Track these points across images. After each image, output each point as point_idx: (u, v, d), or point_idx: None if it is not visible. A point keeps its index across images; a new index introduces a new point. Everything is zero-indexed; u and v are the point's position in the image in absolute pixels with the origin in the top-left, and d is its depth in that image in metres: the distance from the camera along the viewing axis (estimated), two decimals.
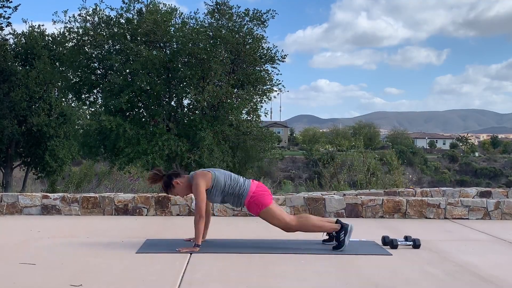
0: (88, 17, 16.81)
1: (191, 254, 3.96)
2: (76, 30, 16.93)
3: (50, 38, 21.28)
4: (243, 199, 4.16)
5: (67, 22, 16.98)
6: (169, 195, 4.21)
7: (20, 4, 20.60)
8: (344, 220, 5.76)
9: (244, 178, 4.31)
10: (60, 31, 17.65)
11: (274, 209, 4.19)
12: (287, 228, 4.20)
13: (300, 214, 4.29)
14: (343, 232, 4.17)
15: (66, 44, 17.71)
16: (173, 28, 16.94)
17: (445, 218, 5.99)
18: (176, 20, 17.40)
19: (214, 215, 5.86)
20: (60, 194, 6.10)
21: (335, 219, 4.33)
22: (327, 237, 4.33)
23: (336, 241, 4.19)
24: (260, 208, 4.15)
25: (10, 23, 20.38)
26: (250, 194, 4.15)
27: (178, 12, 17.54)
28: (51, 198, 5.97)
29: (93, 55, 17.22)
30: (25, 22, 21.58)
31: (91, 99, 18.07)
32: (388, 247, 4.29)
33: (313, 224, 4.21)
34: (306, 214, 4.39)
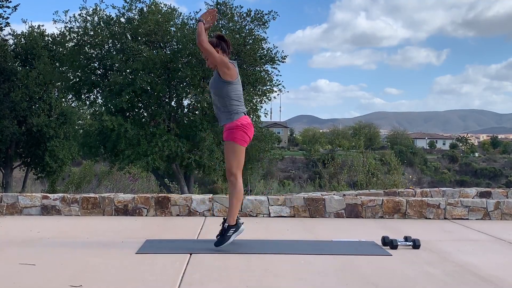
0: (88, 17, 16.82)
1: (191, 254, 3.96)
2: (76, 30, 16.94)
3: (50, 38, 21.29)
4: (227, 121, 4.12)
5: (67, 22, 16.99)
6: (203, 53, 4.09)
7: (19, 4, 20.56)
8: (344, 220, 5.79)
9: (244, 108, 4.26)
10: (60, 31, 17.65)
11: (239, 152, 4.14)
12: (229, 173, 4.17)
13: (239, 182, 4.18)
14: (235, 229, 4.14)
15: (66, 44, 17.70)
16: (173, 28, 16.95)
17: (445, 218, 6.00)
18: (176, 21, 17.41)
19: (214, 215, 5.87)
20: (60, 194, 6.10)
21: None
22: (221, 227, 4.21)
23: (222, 235, 4.12)
24: (232, 139, 4.11)
25: (8, 23, 20.39)
26: (237, 123, 4.11)
27: (178, 12, 17.57)
28: (51, 198, 5.97)
29: (93, 55, 17.23)
30: (25, 22, 21.60)
31: (91, 99, 18.07)
32: (388, 247, 4.30)
33: (237, 197, 4.15)
34: (241, 190, 4.23)
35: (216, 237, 4.24)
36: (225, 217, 4.21)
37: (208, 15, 4.20)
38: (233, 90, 4.15)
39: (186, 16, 17.68)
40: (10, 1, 20.28)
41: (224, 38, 4.26)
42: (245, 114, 4.23)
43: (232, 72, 4.13)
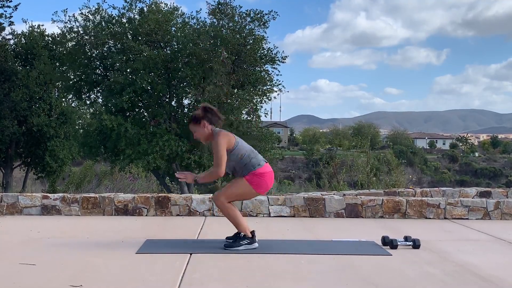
0: (90, 16, 16.81)
1: (191, 254, 3.96)
2: (76, 29, 16.92)
3: (50, 38, 21.28)
4: (251, 170, 4.09)
5: (67, 22, 16.97)
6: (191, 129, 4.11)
7: (20, 3, 20.54)
8: (344, 220, 5.79)
9: (262, 157, 4.24)
10: (61, 30, 17.63)
11: (247, 193, 4.14)
12: (217, 196, 4.15)
13: (231, 204, 4.19)
14: (249, 242, 4.15)
15: (67, 44, 17.69)
16: (174, 28, 16.94)
17: (445, 218, 6.00)
18: (177, 20, 17.39)
19: (214, 215, 5.87)
20: (60, 194, 6.10)
21: (252, 229, 4.25)
22: (233, 234, 4.26)
23: (236, 240, 4.15)
24: (249, 181, 4.08)
25: (12, 22, 20.39)
26: (260, 171, 4.08)
27: (179, 12, 17.56)
28: (51, 198, 5.97)
29: (94, 55, 17.22)
30: (25, 22, 21.61)
31: (91, 98, 18.06)
32: (388, 247, 4.30)
33: (231, 214, 4.15)
34: (234, 207, 4.24)
35: (227, 238, 4.26)
36: (239, 233, 4.21)
37: (186, 176, 4.18)
38: (238, 152, 4.10)
39: (188, 15, 17.66)
40: (11, 1, 20.29)
41: (208, 108, 4.17)
42: (265, 163, 4.18)
43: (228, 144, 4.07)
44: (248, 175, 4.11)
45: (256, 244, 4.18)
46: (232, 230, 4.28)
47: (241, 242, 4.14)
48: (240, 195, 4.21)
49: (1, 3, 19.99)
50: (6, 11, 20.20)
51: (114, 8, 16.97)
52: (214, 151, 4.06)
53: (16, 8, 20.40)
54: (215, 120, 4.17)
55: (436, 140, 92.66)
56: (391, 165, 16.21)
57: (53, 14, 17.01)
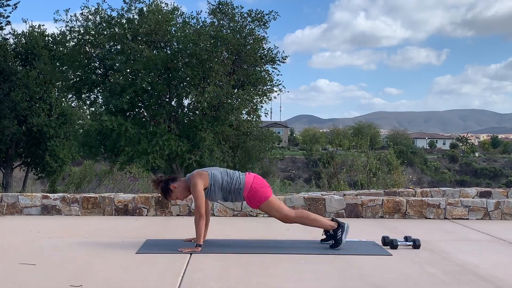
0: (90, 16, 16.81)
1: (191, 254, 3.96)
2: (77, 29, 16.93)
3: (50, 38, 21.28)
4: (241, 193, 4.18)
5: (68, 22, 16.98)
6: (169, 200, 4.27)
7: (19, 1, 20.48)
8: (345, 220, 5.78)
9: (239, 172, 4.33)
10: (61, 31, 17.62)
11: (274, 201, 4.23)
12: (285, 219, 4.26)
13: (300, 209, 4.38)
14: (340, 230, 4.21)
15: (67, 44, 17.69)
16: (174, 28, 16.93)
17: (445, 218, 5.99)
18: (178, 20, 17.39)
19: (214, 215, 5.86)
20: (60, 194, 6.10)
21: (330, 218, 4.37)
22: (325, 236, 4.35)
23: (333, 239, 4.23)
24: (260, 202, 4.18)
25: (10, 22, 20.36)
26: (248, 187, 4.16)
27: (179, 12, 17.55)
28: (51, 198, 5.97)
29: (94, 55, 17.22)
30: (25, 22, 21.60)
31: (91, 99, 18.07)
32: (388, 247, 4.29)
33: (313, 219, 4.28)
34: (305, 211, 4.45)
35: (321, 241, 4.36)
36: (328, 231, 4.29)
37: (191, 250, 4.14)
38: (216, 183, 4.15)
39: (188, 15, 17.66)
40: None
41: (160, 179, 4.26)
42: (244, 177, 4.22)
43: (203, 184, 4.12)
44: (249, 201, 4.21)
45: (346, 224, 4.25)
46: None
47: (338, 237, 4.19)
48: (278, 205, 4.25)
49: (0, 2, 19.97)
50: (6, 10, 20.19)
51: (112, 10, 16.96)
52: (193, 195, 4.16)
53: (16, 7, 20.38)
54: (173, 176, 4.33)
55: (436, 140, 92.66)
56: (391, 165, 16.20)
57: (54, 13, 17.04)
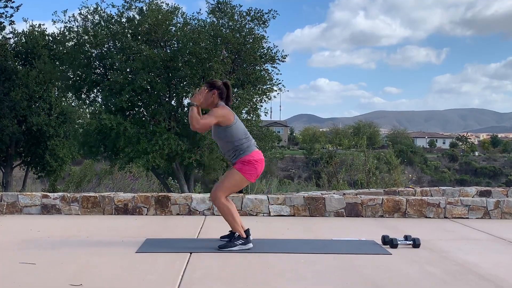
0: (89, 16, 16.80)
1: (191, 253, 3.96)
2: (76, 29, 16.92)
3: (50, 37, 21.26)
4: (241, 156, 4.10)
5: (67, 22, 16.97)
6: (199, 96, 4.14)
7: (21, 4, 20.54)
8: (344, 219, 5.79)
9: (253, 142, 4.26)
10: (60, 30, 17.61)
11: (240, 182, 4.13)
12: (214, 193, 4.14)
13: (229, 201, 4.20)
14: (243, 242, 4.14)
15: (67, 43, 17.68)
16: (174, 28, 16.92)
17: (445, 217, 6.00)
18: (178, 20, 17.38)
19: (214, 214, 5.87)
20: (60, 193, 6.10)
21: (247, 229, 4.23)
22: (228, 233, 4.28)
23: (230, 240, 4.15)
24: (239, 169, 4.09)
25: (13, 21, 20.38)
26: (250, 158, 4.09)
27: (180, 11, 17.54)
28: (51, 197, 5.97)
29: (94, 54, 17.21)
30: (26, 21, 21.59)
31: (91, 98, 18.06)
32: (388, 246, 4.30)
33: (227, 213, 4.13)
34: (234, 207, 4.23)
35: (221, 238, 4.27)
36: (234, 233, 4.20)
37: (199, 96, 4.16)
38: (235, 130, 4.13)
39: (189, 16, 17.65)
40: (14, 1, 20.28)
41: (227, 86, 4.33)
42: (257, 148, 4.20)
43: (227, 118, 4.13)
44: (237, 163, 4.12)
45: (250, 245, 4.16)
46: (228, 228, 4.27)
47: (235, 243, 4.13)
48: (234, 185, 4.17)
49: (3, 3, 19.97)
50: (7, 11, 20.20)
51: (113, 6, 16.96)
52: (208, 113, 4.12)
53: (18, 9, 20.41)
54: (225, 99, 4.30)
55: (436, 139, 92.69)
56: (391, 165, 16.21)
57: (53, 14, 17.03)
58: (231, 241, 4.15)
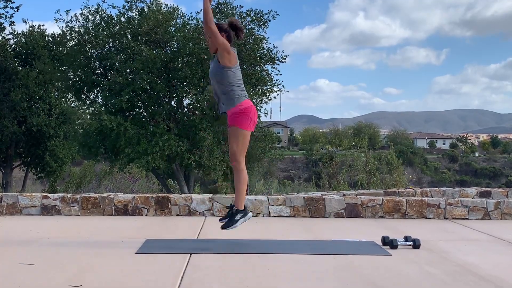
0: (90, 16, 16.81)
1: (191, 254, 3.96)
2: (77, 29, 16.93)
3: (50, 38, 21.27)
4: (229, 106, 4.10)
5: (68, 21, 16.99)
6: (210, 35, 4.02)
7: (21, 4, 20.56)
8: (344, 220, 5.79)
9: (246, 94, 4.24)
10: (61, 30, 17.62)
11: (245, 137, 4.14)
12: (233, 158, 4.15)
13: (243, 168, 4.18)
14: (242, 214, 4.20)
15: (67, 44, 17.69)
16: (174, 28, 16.93)
17: (445, 218, 5.99)
18: (178, 20, 17.39)
19: (214, 215, 5.86)
20: (60, 194, 6.10)
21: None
22: (229, 208, 4.31)
23: (230, 218, 4.19)
24: (237, 124, 4.09)
25: (13, 22, 20.39)
26: (240, 107, 4.10)
27: (179, 12, 17.55)
28: (51, 198, 5.97)
29: (94, 55, 17.22)
30: (25, 22, 21.63)
31: (91, 98, 18.06)
32: (388, 247, 4.29)
33: (242, 180, 4.17)
34: (245, 175, 4.23)
35: (220, 220, 4.30)
36: (232, 203, 4.28)
37: None
38: (232, 75, 4.12)
39: (188, 16, 17.66)
40: (13, 2, 20.29)
41: (235, 26, 4.21)
42: (247, 98, 4.21)
43: (232, 57, 4.09)
44: (230, 118, 4.12)
45: (250, 214, 4.26)
46: (231, 229, 4.26)
47: (236, 218, 4.17)
48: (244, 143, 4.16)
49: (3, 3, 19.99)
50: (7, 12, 20.20)
51: (114, 7, 16.97)
52: (218, 42, 4.01)
53: (18, 9, 20.42)
54: (232, 39, 4.19)
55: (436, 140, 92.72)
56: (391, 165, 16.21)
57: (55, 13, 17.03)
58: (231, 219, 4.18)
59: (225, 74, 4.10)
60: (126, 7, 16.80)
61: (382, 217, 5.96)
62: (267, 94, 18.00)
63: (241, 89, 4.18)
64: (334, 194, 7.03)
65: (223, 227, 4.18)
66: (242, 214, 4.20)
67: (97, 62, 17.39)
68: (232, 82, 4.12)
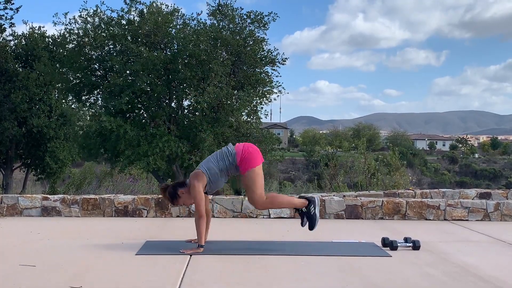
0: (88, 18, 16.82)
1: (191, 255, 3.96)
2: (76, 31, 16.94)
3: (50, 39, 21.30)
4: (235, 162, 4.10)
5: (67, 24, 17.00)
6: (177, 205, 4.27)
7: (21, 6, 20.58)
8: (344, 221, 5.79)
9: (226, 146, 4.24)
10: (60, 33, 17.64)
11: (258, 174, 4.09)
12: (256, 200, 4.10)
13: (270, 194, 4.22)
14: (312, 205, 4.21)
15: (67, 46, 17.71)
16: (174, 30, 16.94)
17: (445, 219, 6.00)
18: (178, 21, 17.39)
19: (214, 216, 5.86)
20: (60, 195, 6.10)
21: (298, 196, 4.33)
22: (299, 216, 4.32)
23: (307, 216, 4.21)
24: (248, 167, 4.07)
25: (13, 23, 20.42)
26: (240, 155, 4.09)
27: (179, 13, 17.56)
28: (51, 199, 5.97)
29: (94, 56, 17.22)
30: (26, 23, 21.64)
31: (91, 100, 18.07)
32: (388, 248, 4.30)
33: (281, 202, 4.24)
34: (275, 194, 4.33)
35: (302, 225, 4.30)
36: (297, 208, 4.27)
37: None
38: (215, 173, 4.12)
39: (188, 17, 17.67)
40: (13, 3, 20.31)
41: (167, 186, 4.28)
42: (230, 147, 4.18)
43: (202, 182, 4.10)
44: (240, 169, 4.11)
45: (315, 198, 4.23)
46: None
47: (311, 214, 4.19)
48: (258, 181, 4.10)
49: (3, 5, 20.02)
50: (7, 13, 20.23)
51: (112, 11, 16.98)
52: (192, 196, 4.12)
53: (18, 11, 20.44)
54: (181, 181, 4.30)
55: (436, 142, 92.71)
56: (391, 167, 16.20)
57: (53, 16, 17.06)
58: (309, 216, 4.20)
59: (215, 183, 4.17)
60: (125, 10, 16.81)
61: (382, 218, 5.96)
62: (267, 95, 18.00)
63: (225, 156, 4.13)
64: (334, 195, 7.03)
65: (311, 228, 4.22)
66: (310, 205, 4.19)
67: (97, 64, 17.39)
68: (222, 168, 4.13)
